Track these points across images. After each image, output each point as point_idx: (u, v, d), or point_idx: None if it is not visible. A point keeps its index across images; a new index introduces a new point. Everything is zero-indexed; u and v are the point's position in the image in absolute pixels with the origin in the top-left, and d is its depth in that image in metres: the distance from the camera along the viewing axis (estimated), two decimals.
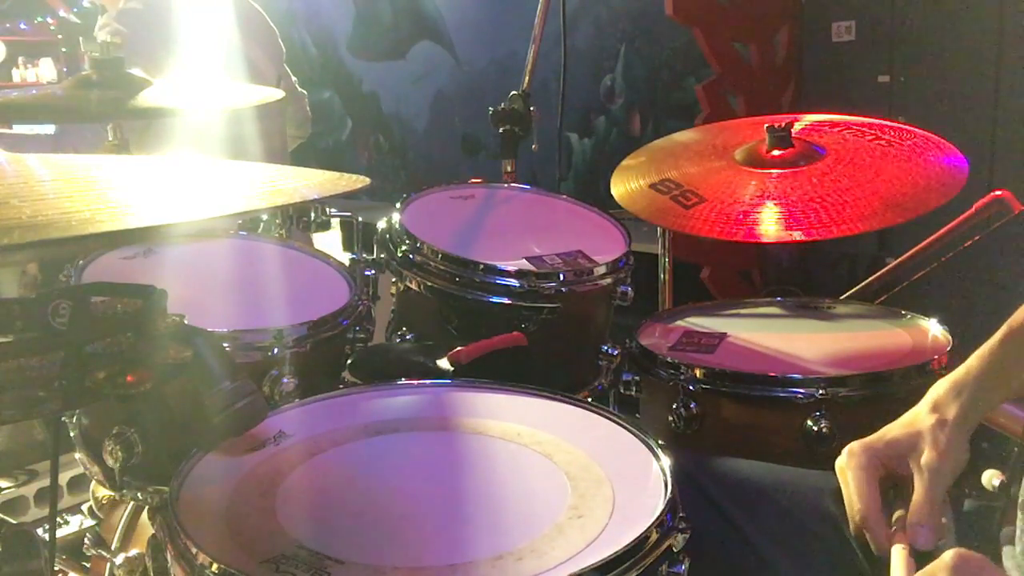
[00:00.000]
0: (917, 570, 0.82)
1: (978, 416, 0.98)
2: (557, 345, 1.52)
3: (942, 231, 1.68)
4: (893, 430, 0.97)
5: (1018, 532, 0.94)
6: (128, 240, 1.18)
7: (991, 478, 1.14)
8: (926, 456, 0.93)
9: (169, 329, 0.87)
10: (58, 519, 2.07)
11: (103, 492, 1.54)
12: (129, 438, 1.19)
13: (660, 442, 1.02)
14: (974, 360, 1.00)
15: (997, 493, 1.05)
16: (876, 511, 0.93)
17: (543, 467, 1.01)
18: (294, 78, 2.86)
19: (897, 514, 0.93)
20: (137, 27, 2.32)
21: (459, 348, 1.32)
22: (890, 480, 0.97)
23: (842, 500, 0.98)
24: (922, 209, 1.47)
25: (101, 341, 0.80)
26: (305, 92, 2.91)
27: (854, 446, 0.98)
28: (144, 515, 1.42)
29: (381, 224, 1.60)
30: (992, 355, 1.00)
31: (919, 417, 0.97)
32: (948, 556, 0.75)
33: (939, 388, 0.99)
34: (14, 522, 1.76)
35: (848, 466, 0.97)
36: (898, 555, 0.89)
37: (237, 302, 1.38)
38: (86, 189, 0.75)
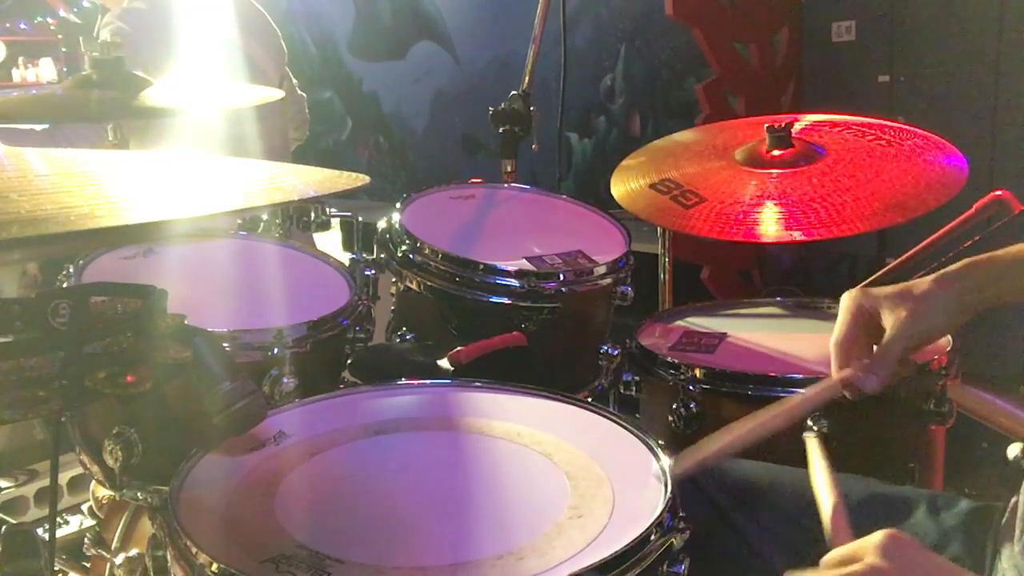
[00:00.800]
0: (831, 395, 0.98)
1: (978, 299, 1.02)
2: (557, 345, 1.52)
3: (942, 231, 1.68)
4: (892, 287, 1.03)
5: (1017, 532, 0.94)
6: (127, 236, 1.17)
7: (1013, 449, 1.17)
8: (901, 311, 1.00)
9: (169, 329, 0.87)
10: (58, 519, 2.06)
11: (103, 492, 1.54)
12: (129, 438, 1.19)
13: (660, 442, 1.02)
14: (1000, 253, 1.03)
15: (1009, 480, 1.05)
16: (844, 342, 1.02)
17: (543, 467, 1.01)
18: (295, 80, 2.86)
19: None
20: (141, 27, 2.32)
21: (459, 348, 1.32)
22: (875, 328, 1.03)
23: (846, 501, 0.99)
24: (922, 209, 1.47)
25: (101, 341, 0.80)
26: (304, 95, 2.91)
27: (854, 290, 1.05)
28: (144, 515, 1.42)
29: (381, 224, 1.60)
30: (1018, 251, 1.03)
31: (920, 284, 1.02)
32: (878, 535, 0.76)
33: (952, 266, 1.03)
34: (14, 522, 1.76)
35: (841, 304, 1.05)
36: (837, 375, 1.02)
37: (237, 302, 1.38)
38: (85, 184, 0.75)
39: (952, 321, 1.01)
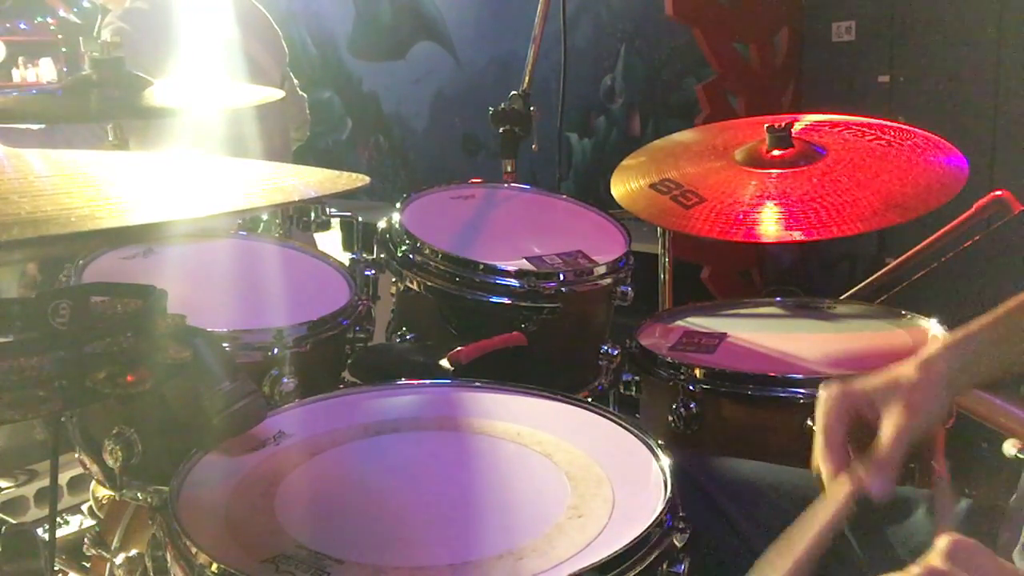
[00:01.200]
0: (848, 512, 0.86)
1: (964, 382, 0.98)
2: (557, 345, 1.52)
3: (942, 231, 1.68)
4: (875, 379, 0.97)
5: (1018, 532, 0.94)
6: (127, 237, 1.17)
7: (1010, 447, 1.15)
8: (896, 408, 0.94)
9: (169, 329, 0.87)
10: (58, 519, 2.06)
11: (103, 492, 1.54)
12: (129, 438, 1.19)
13: (660, 442, 1.02)
14: (975, 326, 0.99)
15: (1002, 495, 1.04)
16: (835, 446, 0.94)
17: (543, 467, 1.01)
18: (296, 81, 2.86)
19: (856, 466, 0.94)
20: (142, 27, 2.32)
21: (459, 348, 1.32)
22: (862, 426, 0.96)
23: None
24: (922, 209, 1.47)
25: (101, 341, 0.80)
26: (305, 95, 2.91)
27: (832, 386, 0.97)
28: (144, 515, 1.42)
29: (381, 224, 1.60)
30: (993, 324, 0.99)
31: (904, 372, 0.97)
32: (943, 542, 0.75)
33: (932, 347, 0.99)
34: (14, 522, 1.76)
35: (821, 403, 0.97)
36: (839, 488, 0.91)
37: (237, 302, 1.38)
38: (85, 185, 0.75)
39: (946, 407, 0.96)
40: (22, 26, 6.47)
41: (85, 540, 1.51)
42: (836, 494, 0.91)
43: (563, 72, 2.31)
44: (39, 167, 0.79)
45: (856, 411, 0.96)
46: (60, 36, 6.33)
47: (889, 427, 0.93)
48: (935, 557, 0.74)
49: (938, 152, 1.60)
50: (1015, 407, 1.71)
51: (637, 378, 1.49)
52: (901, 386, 0.95)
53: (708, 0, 3.21)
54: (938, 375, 0.96)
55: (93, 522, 1.62)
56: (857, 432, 0.96)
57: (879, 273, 1.83)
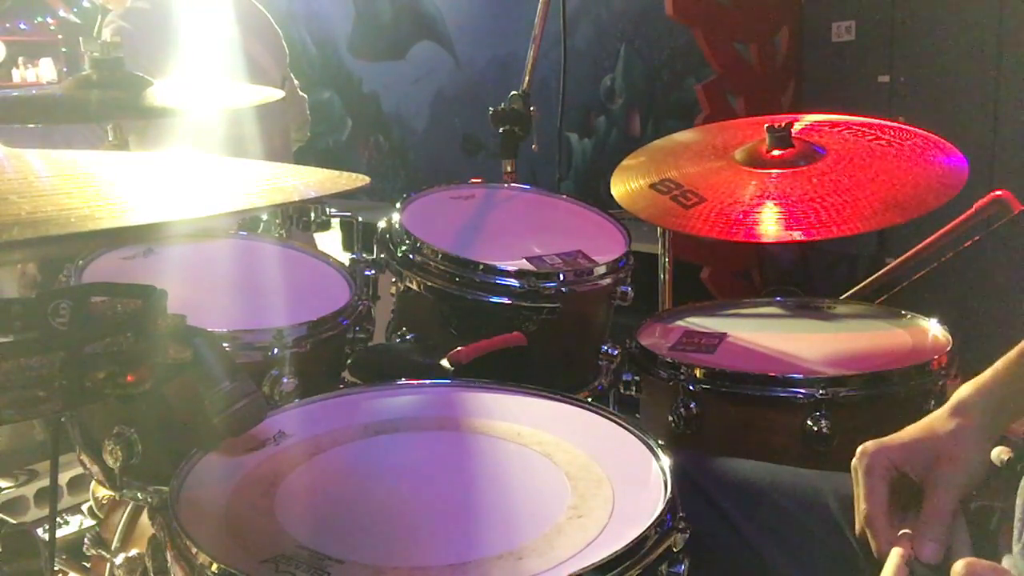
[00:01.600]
0: None
1: (1003, 423, 0.94)
2: (557, 345, 1.52)
3: (942, 231, 1.68)
4: (911, 432, 0.94)
5: (1016, 533, 0.94)
6: (128, 237, 1.17)
7: (999, 454, 1.14)
8: (941, 465, 0.90)
9: (169, 329, 0.87)
10: (58, 519, 2.06)
11: (103, 492, 1.54)
12: (129, 438, 1.19)
13: (660, 442, 1.01)
14: (1001, 364, 0.96)
15: (999, 488, 1.04)
16: (881, 514, 0.91)
17: (543, 467, 1.01)
18: (296, 81, 2.86)
19: (903, 529, 0.91)
20: (143, 27, 2.32)
21: (459, 348, 1.32)
22: (904, 484, 0.94)
23: (845, 501, 0.98)
24: (922, 209, 1.47)
25: (101, 341, 0.80)
26: (306, 96, 2.91)
27: (868, 445, 0.95)
28: (144, 515, 1.42)
29: (381, 224, 1.60)
30: (1019, 358, 0.96)
31: (939, 421, 0.93)
32: (959, 566, 0.75)
33: (963, 392, 0.95)
34: (14, 522, 1.76)
35: (860, 464, 0.94)
36: (894, 560, 0.87)
37: (237, 302, 1.38)
38: (85, 186, 0.75)
39: (987, 452, 0.92)
40: (22, 26, 6.47)
41: (85, 540, 1.51)
42: (892, 565, 0.86)
43: (563, 72, 2.32)
44: (39, 167, 0.79)
45: (896, 469, 0.93)
46: (60, 36, 6.33)
47: (936, 485, 0.90)
48: None
49: (938, 152, 1.60)
50: None
51: (637, 378, 1.49)
52: (940, 437, 0.92)
53: (708, 0, 3.21)
54: (974, 422, 0.92)
55: (93, 522, 1.62)
56: (899, 489, 0.94)
57: (879, 273, 1.83)
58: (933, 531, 0.89)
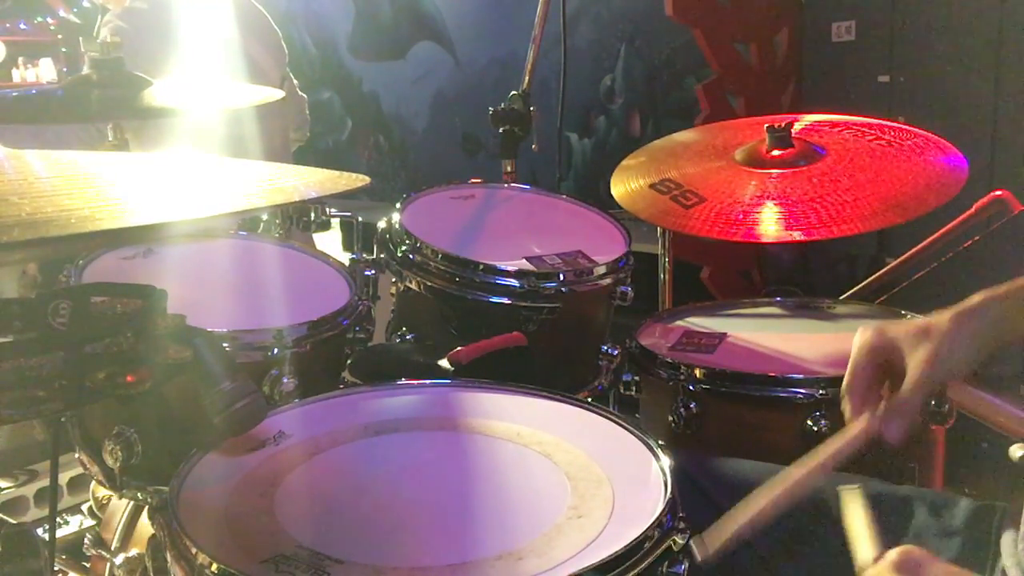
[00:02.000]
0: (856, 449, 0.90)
1: (1003, 333, 0.97)
2: (557, 345, 1.52)
3: (942, 231, 1.68)
4: (911, 323, 0.98)
5: (1022, 530, 0.94)
6: (128, 238, 1.17)
7: (1016, 450, 1.15)
8: (921, 354, 0.94)
9: (169, 329, 0.87)
10: (58, 519, 2.06)
11: (103, 492, 1.54)
12: (129, 438, 1.19)
13: (660, 442, 1.02)
14: (1019, 281, 0.98)
15: (1009, 485, 1.04)
16: (860, 386, 0.96)
17: (543, 467, 1.01)
18: (296, 81, 2.86)
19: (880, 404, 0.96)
20: (142, 27, 2.32)
21: (459, 348, 1.32)
22: (894, 374, 0.97)
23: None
24: (922, 209, 1.47)
25: (101, 341, 0.80)
26: (305, 96, 2.91)
27: (867, 327, 0.99)
28: (144, 515, 1.42)
29: (381, 224, 1.60)
30: None
31: (940, 316, 0.97)
32: (893, 553, 0.76)
33: (973, 297, 0.97)
34: (14, 522, 1.76)
35: (856, 340, 0.98)
36: (855, 428, 0.93)
37: (237, 302, 1.38)
38: (86, 186, 0.75)
39: (970, 361, 0.96)
40: (22, 26, 6.47)
41: (85, 540, 1.51)
42: (851, 430, 0.93)
43: (563, 72, 2.32)
44: (39, 168, 0.79)
45: (887, 354, 0.96)
46: (60, 36, 6.33)
47: (911, 374, 0.94)
48: (884, 568, 0.75)
49: (938, 152, 1.60)
50: (1015, 407, 1.71)
51: (637, 378, 1.49)
52: (931, 335, 0.95)
53: (708, 0, 3.21)
54: (969, 330, 0.95)
55: (93, 522, 1.62)
56: (888, 376, 0.97)
57: (879, 273, 1.82)
58: (899, 414, 0.93)
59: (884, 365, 0.97)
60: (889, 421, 0.93)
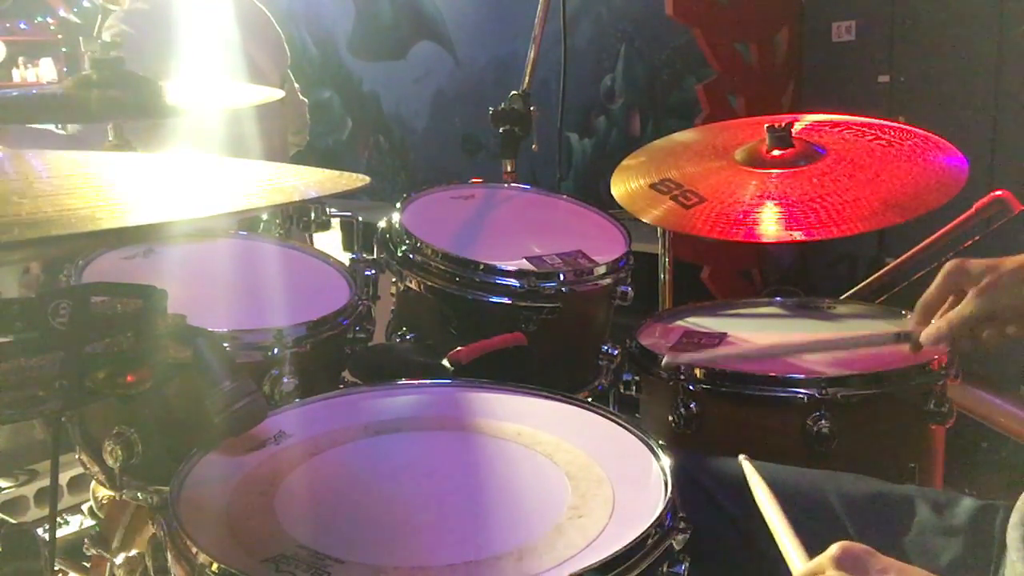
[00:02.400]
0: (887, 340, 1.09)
1: None
2: (557, 345, 1.52)
3: (942, 231, 1.68)
4: (991, 260, 1.08)
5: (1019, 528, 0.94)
6: (128, 237, 1.17)
7: None
8: (982, 281, 1.05)
9: (169, 329, 0.87)
10: (58, 519, 2.06)
11: (103, 492, 1.54)
12: (129, 438, 1.19)
13: (660, 442, 1.02)
14: None
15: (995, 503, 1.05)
16: (928, 304, 1.12)
17: (543, 467, 1.01)
18: (297, 84, 2.86)
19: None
20: (144, 27, 2.32)
21: (459, 348, 1.32)
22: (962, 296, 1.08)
23: (847, 499, 1.03)
24: (922, 209, 1.47)
25: (101, 341, 0.80)
26: (306, 100, 2.91)
27: (954, 259, 1.11)
28: (144, 515, 1.42)
29: (381, 224, 1.60)
30: None
31: (1016, 259, 1.06)
32: (833, 548, 0.77)
33: None
34: (14, 522, 1.76)
35: (942, 269, 1.11)
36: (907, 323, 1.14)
37: (237, 302, 1.38)
38: (86, 186, 0.75)
39: (1019, 307, 1.05)
40: (22, 26, 6.47)
41: (85, 540, 1.51)
42: (891, 327, 1.13)
43: (563, 72, 2.32)
44: (40, 168, 0.79)
45: (959, 282, 1.09)
46: (60, 36, 6.33)
47: (970, 294, 1.06)
48: (826, 562, 0.76)
49: (938, 152, 1.60)
50: (1015, 407, 1.71)
51: (637, 378, 1.49)
52: (998, 268, 1.06)
53: (708, 0, 3.20)
54: None
55: (93, 522, 1.62)
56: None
57: (879, 273, 1.82)
58: (942, 321, 1.08)
59: (955, 288, 1.10)
60: (925, 327, 1.09)
